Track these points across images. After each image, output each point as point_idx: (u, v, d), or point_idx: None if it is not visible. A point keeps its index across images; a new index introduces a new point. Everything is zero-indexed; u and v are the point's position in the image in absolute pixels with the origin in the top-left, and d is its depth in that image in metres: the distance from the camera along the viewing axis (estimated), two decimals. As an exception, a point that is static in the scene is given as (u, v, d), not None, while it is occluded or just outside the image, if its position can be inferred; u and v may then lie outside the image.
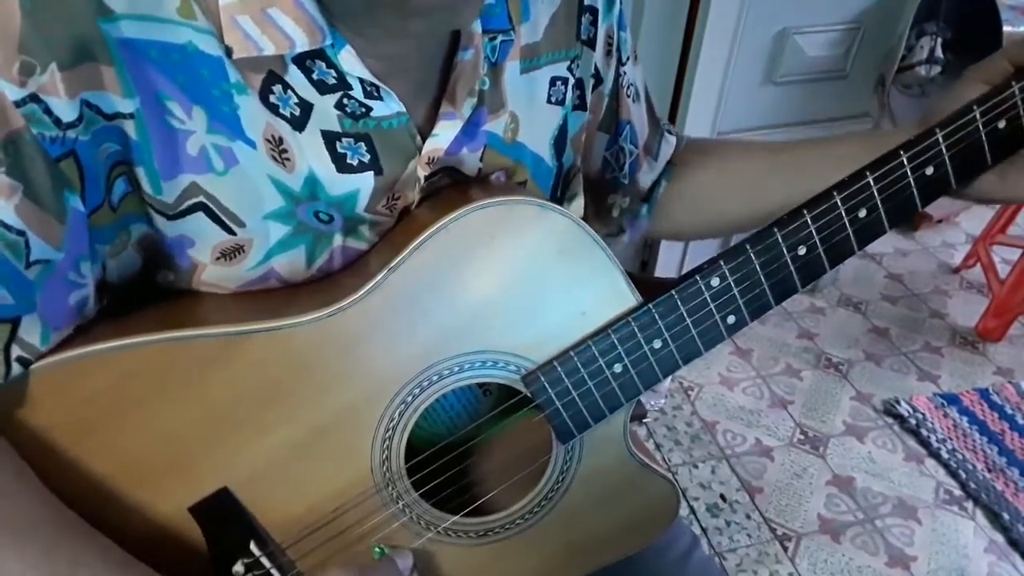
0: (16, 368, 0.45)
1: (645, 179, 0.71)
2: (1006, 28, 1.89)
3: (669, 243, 1.94)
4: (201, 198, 0.48)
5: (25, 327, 0.45)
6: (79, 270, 0.46)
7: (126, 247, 0.50)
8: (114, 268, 0.50)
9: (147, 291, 0.53)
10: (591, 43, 0.61)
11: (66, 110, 0.41)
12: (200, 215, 0.49)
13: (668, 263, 1.98)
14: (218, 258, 0.51)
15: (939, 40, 2.00)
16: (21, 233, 0.42)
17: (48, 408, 0.47)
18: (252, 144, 0.48)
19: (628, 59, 0.65)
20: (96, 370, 0.47)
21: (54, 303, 0.46)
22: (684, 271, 0.53)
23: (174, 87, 0.45)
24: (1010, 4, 2.12)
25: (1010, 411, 1.84)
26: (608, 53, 0.62)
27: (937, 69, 2.01)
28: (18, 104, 0.40)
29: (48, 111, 0.41)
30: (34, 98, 0.40)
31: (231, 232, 0.50)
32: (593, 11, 0.60)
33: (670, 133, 0.72)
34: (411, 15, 0.44)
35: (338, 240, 0.53)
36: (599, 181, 0.70)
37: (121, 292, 0.52)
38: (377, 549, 0.55)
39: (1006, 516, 1.56)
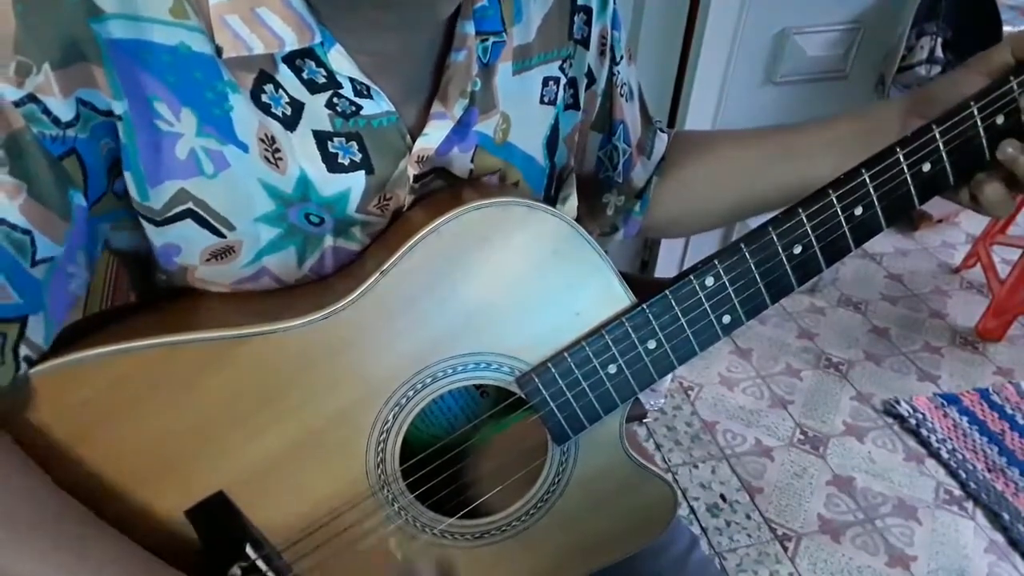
0: (23, 368, 0.45)
1: (639, 177, 0.70)
2: (1006, 28, 1.89)
3: (669, 243, 1.94)
4: (190, 204, 0.48)
5: (32, 326, 0.45)
6: (76, 260, 0.47)
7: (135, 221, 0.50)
8: (120, 239, 0.51)
9: (147, 291, 0.53)
10: (584, 42, 0.61)
11: (63, 109, 0.42)
12: (188, 222, 0.49)
13: (668, 263, 1.98)
14: (208, 259, 0.51)
15: (939, 40, 2.00)
16: (27, 232, 0.43)
17: (43, 413, 0.47)
18: (244, 147, 0.48)
19: (621, 58, 0.65)
20: (91, 375, 0.47)
21: (57, 299, 0.46)
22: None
23: (163, 88, 0.45)
24: (1010, 4, 2.12)
25: (1010, 411, 1.83)
26: (602, 53, 0.62)
27: (937, 69, 2.01)
28: (17, 104, 0.41)
29: (47, 111, 0.42)
30: (32, 98, 0.41)
31: (221, 235, 0.50)
32: (587, 11, 0.59)
33: (662, 131, 0.72)
34: (390, 7, 0.44)
35: (329, 241, 0.53)
36: (593, 180, 0.70)
37: (131, 262, 0.53)
38: None
39: (1006, 516, 1.56)
